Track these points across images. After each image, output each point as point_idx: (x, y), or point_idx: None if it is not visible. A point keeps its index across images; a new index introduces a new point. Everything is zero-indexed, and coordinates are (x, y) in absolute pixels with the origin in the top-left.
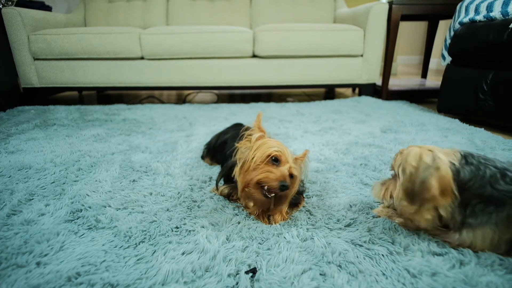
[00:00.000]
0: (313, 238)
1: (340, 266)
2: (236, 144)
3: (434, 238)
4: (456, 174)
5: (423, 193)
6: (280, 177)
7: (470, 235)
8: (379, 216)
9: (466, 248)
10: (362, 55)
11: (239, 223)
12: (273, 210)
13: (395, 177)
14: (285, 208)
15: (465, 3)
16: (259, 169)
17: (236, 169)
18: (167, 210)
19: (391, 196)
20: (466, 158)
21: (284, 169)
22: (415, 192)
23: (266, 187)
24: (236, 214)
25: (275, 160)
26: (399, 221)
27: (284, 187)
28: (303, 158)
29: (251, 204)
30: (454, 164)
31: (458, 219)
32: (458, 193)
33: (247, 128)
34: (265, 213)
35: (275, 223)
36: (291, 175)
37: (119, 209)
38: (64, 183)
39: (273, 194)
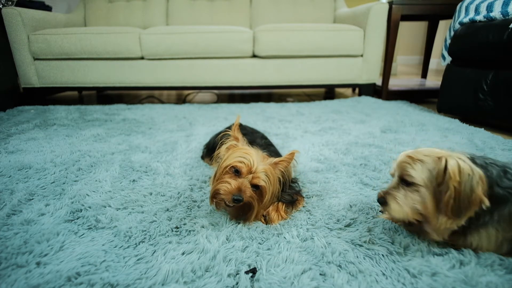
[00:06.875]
0: (313, 238)
1: (340, 266)
2: (215, 152)
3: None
4: None
5: (471, 206)
6: (233, 190)
7: (476, 238)
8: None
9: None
10: (362, 55)
11: (239, 223)
12: (249, 217)
13: (401, 186)
14: (282, 207)
15: (465, 3)
16: (220, 179)
17: (211, 178)
18: (167, 210)
19: (421, 214)
20: (474, 160)
21: (241, 181)
22: (461, 206)
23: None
24: None
25: (236, 171)
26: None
27: (237, 201)
28: (287, 161)
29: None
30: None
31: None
32: None
33: (225, 134)
34: (240, 218)
35: (272, 223)
36: (257, 186)
37: (119, 209)
38: (64, 183)
39: (233, 204)
